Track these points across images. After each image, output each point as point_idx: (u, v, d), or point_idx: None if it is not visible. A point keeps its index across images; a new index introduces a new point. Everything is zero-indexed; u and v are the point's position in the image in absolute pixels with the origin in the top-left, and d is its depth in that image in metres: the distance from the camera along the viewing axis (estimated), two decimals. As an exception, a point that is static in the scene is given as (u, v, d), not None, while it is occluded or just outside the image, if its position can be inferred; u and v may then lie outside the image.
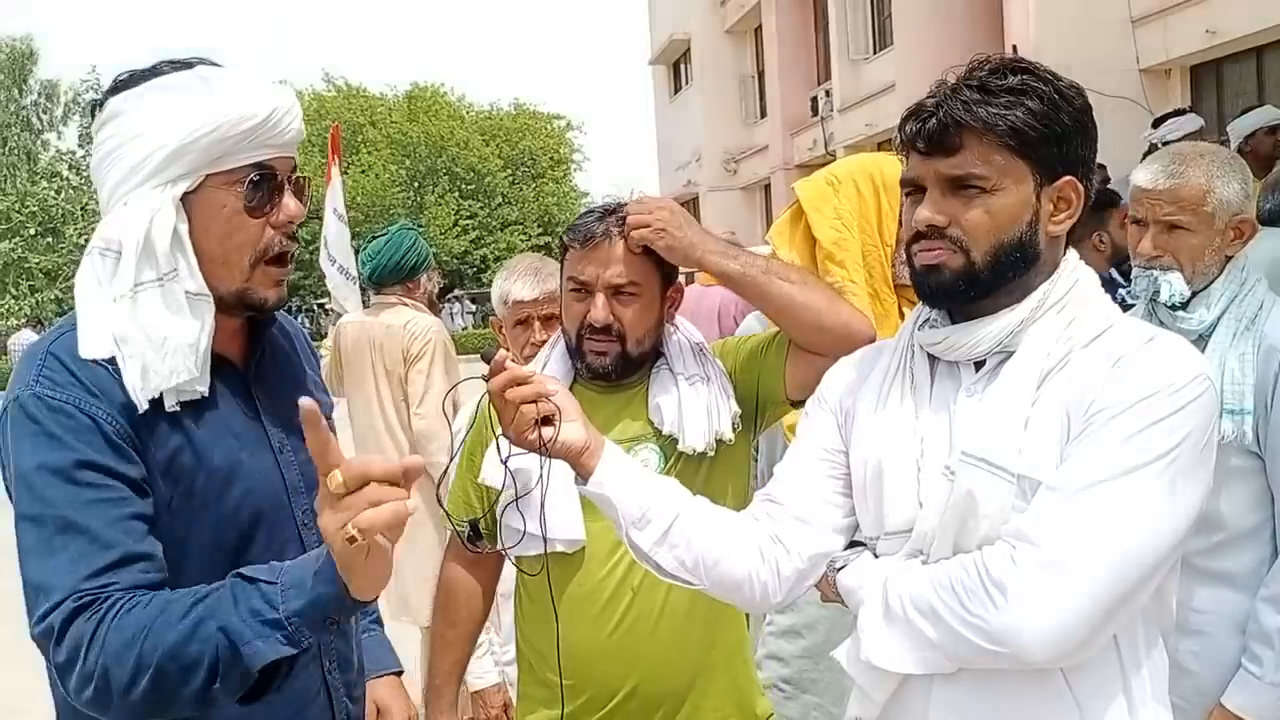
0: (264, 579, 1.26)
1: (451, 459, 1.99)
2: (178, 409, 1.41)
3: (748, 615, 2.19)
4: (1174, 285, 2.18)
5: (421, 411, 4.05)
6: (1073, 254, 1.46)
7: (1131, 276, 2.30)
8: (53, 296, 28.82)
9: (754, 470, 2.89)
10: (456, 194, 38.87)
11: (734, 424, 1.99)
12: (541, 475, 1.64)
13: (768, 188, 23.74)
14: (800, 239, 2.51)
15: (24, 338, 17.31)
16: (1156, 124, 6.49)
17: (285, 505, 1.54)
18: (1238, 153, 5.27)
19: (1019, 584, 1.26)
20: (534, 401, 1.51)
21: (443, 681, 2.11)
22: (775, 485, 1.59)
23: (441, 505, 1.88)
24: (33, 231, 29.27)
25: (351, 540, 1.16)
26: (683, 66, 28.01)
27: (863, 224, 2.44)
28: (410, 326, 4.13)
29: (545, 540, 1.83)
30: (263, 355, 1.59)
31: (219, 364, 1.48)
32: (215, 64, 1.46)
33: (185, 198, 1.42)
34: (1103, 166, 6.10)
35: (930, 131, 1.38)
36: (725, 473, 2.01)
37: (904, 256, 1.51)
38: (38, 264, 29.28)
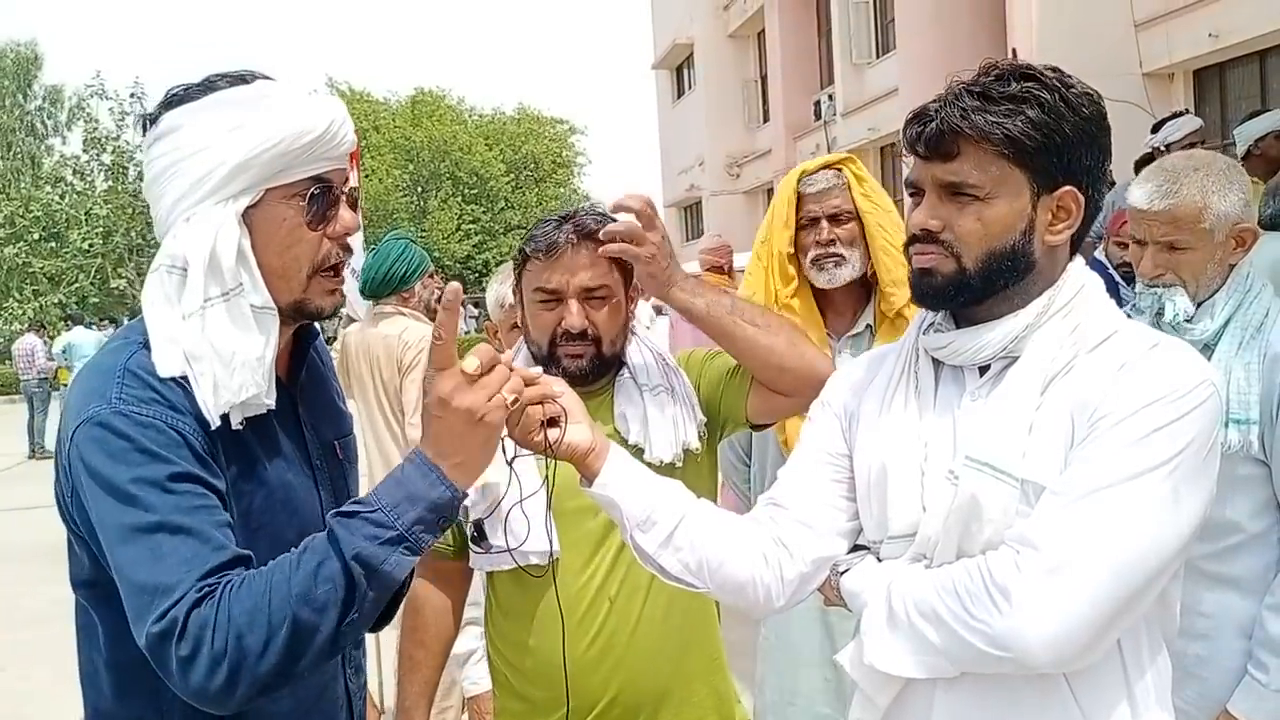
0: (363, 510, 1.33)
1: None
2: (242, 426, 1.42)
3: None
4: (1178, 304, 2.17)
5: (415, 421, 4.01)
6: (1078, 260, 1.45)
7: (1136, 293, 2.30)
8: (56, 301, 28.79)
9: (748, 475, 2.91)
10: (459, 198, 38.91)
11: (700, 434, 2.02)
12: (547, 478, 1.64)
13: (770, 192, 23.71)
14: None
15: (28, 342, 17.30)
16: (1156, 129, 6.49)
17: (319, 523, 1.54)
18: (1246, 156, 5.27)
19: (1022, 589, 1.26)
20: (540, 403, 1.51)
21: (413, 704, 2.09)
22: (779, 488, 1.59)
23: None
24: (36, 236, 29.26)
25: (514, 402, 1.38)
26: (685, 71, 28.05)
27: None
28: (405, 335, 4.11)
29: (551, 545, 1.83)
30: (306, 372, 1.61)
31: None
32: (269, 77, 1.47)
33: (246, 212, 1.42)
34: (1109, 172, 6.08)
35: (929, 136, 1.38)
36: (694, 483, 2.02)
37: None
38: (41, 269, 29.27)
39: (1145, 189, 2.21)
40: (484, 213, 39.38)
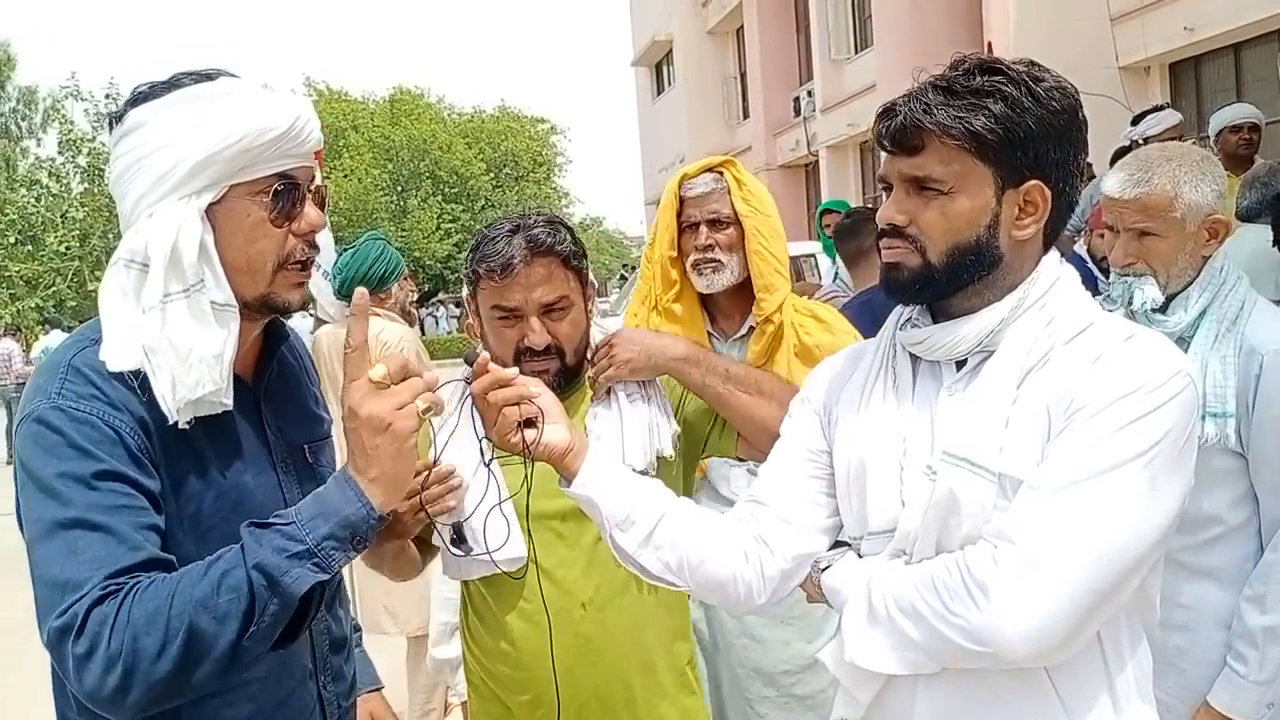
0: (279, 522, 1.31)
1: (435, 462, 1.97)
2: (189, 426, 1.41)
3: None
4: (1147, 291, 2.18)
5: None
6: (1053, 253, 1.45)
7: (1109, 282, 2.31)
8: (32, 305, 28.54)
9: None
10: (439, 198, 38.77)
11: (674, 441, 2.02)
12: (526, 476, 1.64)
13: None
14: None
15: (4, 347, 17.14)
16: (1135, 121, 6.53)
17: None
18: (1215, 140, 5.34)
19: (1000, 583, 1.26)
20: (517, 404, 1.51)
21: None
22: (759, 486, 1.59)
23: (424, 509, 1.86)
24: (12, 239, 29.00)
25: (426, 412, 1.33)
26: (665, 68, 28.06)
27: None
28: (383, 335, 4.10)
29: (530, 543, 1.82)
30: (272, 373, 1.60)
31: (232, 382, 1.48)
32: (234, 75, 1.47)
33: (210, 209, 1.42)
34: (1089, 164, 6.12)
35: (894, 131, 1.39)
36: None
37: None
38: (18, 272, 29.01)
39: (1118, 177, 2.22)
40: (464, 212, 39.26)
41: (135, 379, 1.38)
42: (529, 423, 1.52)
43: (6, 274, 28.97)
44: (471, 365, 1.51)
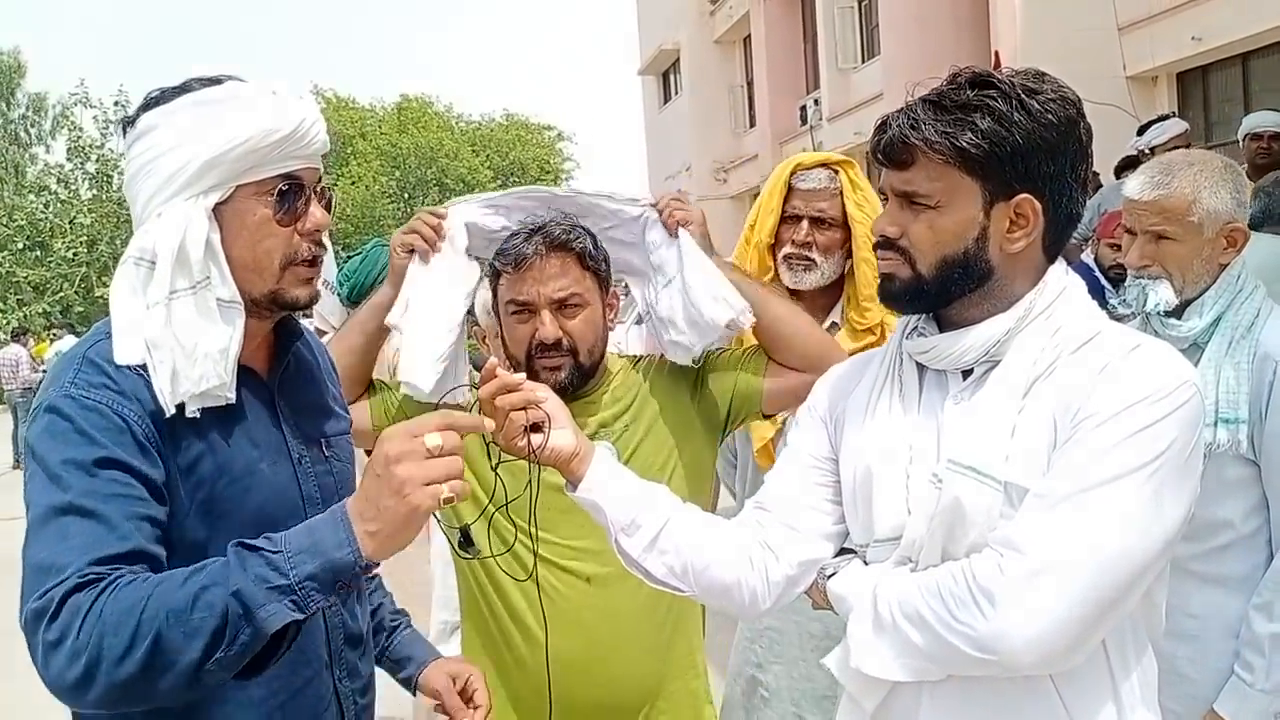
0: (267, 548, 1.27)
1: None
2: (198, 416, 1.44)
3: (704, 622, 2.22)
4: (1160, 294, 2.18)
5: None
6: (1060, 263, 1.45)
7: (1125, 286, 2.31)
8: (40, 310, 28.63)
9: (740, 476, 2.92)
10: (446, 205, 38.82)
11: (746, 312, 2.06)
12: (530, 481, 1.64)
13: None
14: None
15: (12, 352, 17.21)
16: (1141, 131, 6.53)
17: (301, 516, 1.55)
18: (1242, 144, 5.32)
19: (1006, 592, 1.26)
20: (523, 409, 1.51)
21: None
22: (765, 492, 1.60)
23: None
24: (20, 245, 29.12)
25: (447, 501, 1.26)
26: (672, 76, 28.09)
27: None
28: (391, 342, 4.11)
29: (535, 544, 1.83)
30: (288, 368, 1.63)
31: (244, 375, 1.51)
32: (241, 80, 1.52)
33: (217, 208, 1.47)
34: (1095, 174, 6.12)
35: (885, 146, 1.41)
36: (687, 474, 2.04)
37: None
38: (26, 278, 29.13)
39: (1139, 180, 2.23)
40: (471, 219, 39.29)
41: (145, 370, 1.41)
42: (535, 427, 1.53)
43: (14, 279, 29.06)
44: (477, 366, 1.52)
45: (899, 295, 1.45)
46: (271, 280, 1.51)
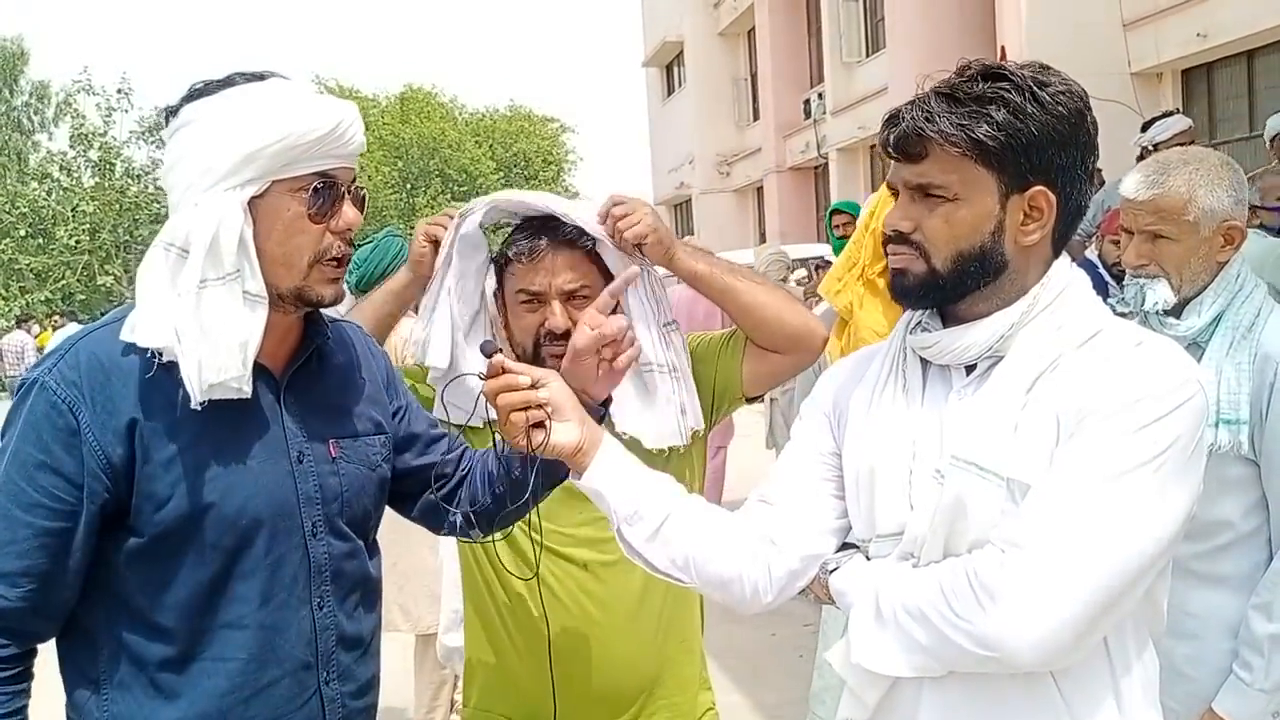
0: None
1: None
2: (201, 408, 1.46)
3: (702, 614, 2.22)
4: (1158, 293, 2.18)
5: None
6: (1064, 259, 1.45)
7: (1123, 285, 2.31)
8: (43, 298, 28.63)
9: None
10: (449, 196, 38.72)
11: (705, 417, 2.06)
12: (531, 480, 1.64)
13: (760, 190, 23.76)
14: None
15: (17, 339, 17.23)
16: (1145, 127, 6.51)
17: (294, 514, 1.57)
18: (1270, 145, 5.28)
19: (1007, 588, 1.26)
20: (524, 409, 1.51)
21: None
22: (769, 486, 1.60)
23: (434, 495, 1.88)
24: (23, 233, 29.10)
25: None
26: (675, 69, 28.04)
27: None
28: (401, 332, 4.11)
29: (538, 544, 1.83)
30: (306, 364, 1.63)
31: (254, 368, 1.52)
32: (285, 77, 1.55)
33: (252, 202, 1.49)
34: (1098, 170, 6.11)
35: (897, 139, 1.40)
36: (682, 466, 2.04)
37: None
38: (28, 265, 29.12)
39: (1135, 179, 2.23)
40: (473, 210, 39.23)
41: (158, 357, 1.45)
42: (538, 424, 1.53)
43: (17, 267, 29.07)
44: (486, 354, 1.52)
45: (912, 290, 1.43)
46: (299, 276, 1.54)
